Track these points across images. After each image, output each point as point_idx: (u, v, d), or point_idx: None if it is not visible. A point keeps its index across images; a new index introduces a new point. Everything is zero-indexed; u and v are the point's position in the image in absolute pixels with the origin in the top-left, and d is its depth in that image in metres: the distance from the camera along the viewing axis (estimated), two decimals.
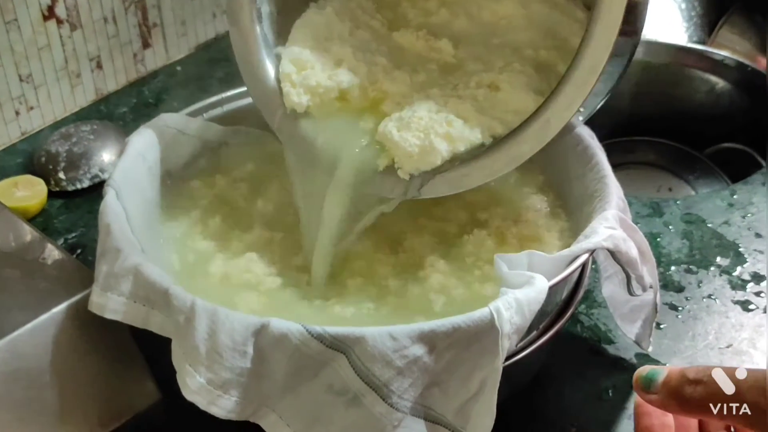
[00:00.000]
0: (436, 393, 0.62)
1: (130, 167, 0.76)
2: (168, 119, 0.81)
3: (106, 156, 1.03)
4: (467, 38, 0.78)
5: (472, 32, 0.78)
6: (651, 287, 0.75)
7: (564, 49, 0.75)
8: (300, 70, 0.75)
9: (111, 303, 0.65)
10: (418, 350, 0.60)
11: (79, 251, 0.94)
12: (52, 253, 0.73)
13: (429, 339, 0.60)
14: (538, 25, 0.77)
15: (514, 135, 0.71)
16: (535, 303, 0.62)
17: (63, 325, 0.68)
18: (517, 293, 0.61)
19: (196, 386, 0.61)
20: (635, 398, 0.63)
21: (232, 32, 0.77)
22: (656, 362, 0.81)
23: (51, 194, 1.01)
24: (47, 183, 1.01)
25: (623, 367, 0.81)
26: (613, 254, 0.69)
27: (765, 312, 0.86)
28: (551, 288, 0.64)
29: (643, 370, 0.60)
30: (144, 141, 0.79)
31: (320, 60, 0.75)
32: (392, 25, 0.80)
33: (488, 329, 0.60)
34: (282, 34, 0.78)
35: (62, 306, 0.68)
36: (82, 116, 1.14)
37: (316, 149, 0.74)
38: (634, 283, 0.74)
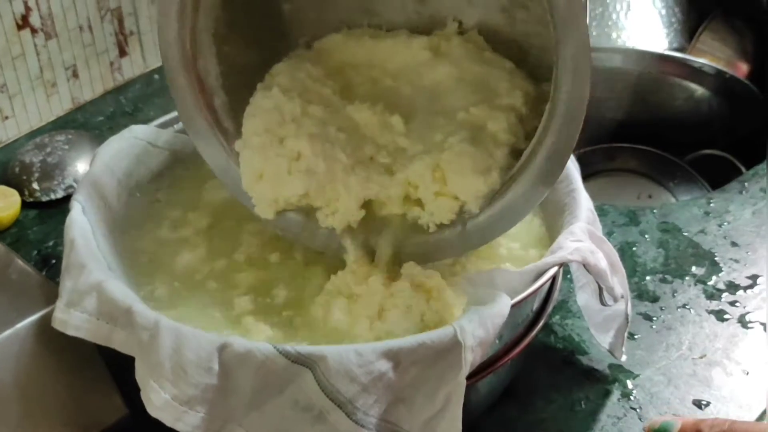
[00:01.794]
0: (401, 409, 0.62)
1: (97, 180, 0.75)
2: (138, 131, 0.81)
3: (81, 166, 1.02)
4: (413, 106, 0.77)
5: (417, 99, 0.77)
6: (622, 297, 0.75)
7: (491, 101, 0.75)
8: (256, 181, 0.74)
9: (74, 320, 0.65)
10: (383, 366, 0.60)
11: (53, 261, 0.94)
12: (18, 267, 0.73)
13: (393, 355, 0.60)
14: (469, 82, 0.77)
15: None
16: (498, 317, 0.62)
17: (28, 341, 0.67)
18: (479, 309, 0.61)
19: (161, 402, 0.60)
20: None
21: (196, 142, 0.77)
22: (629, 373, 0.81)
23: (25, 205, 1.00)
24: (21, 194, 1.00)
25: (596, 378, 0.81)
26: (584, 265, 0.69)
27: (739, 322, 0.86)
28: (520, 301, 0.65)
29: (655, 423, 0.59)
30: (113, 153, 0.78)
31: (275, 161, 0.73)
32: (342, 93, 0.78)
33: (452, 344, 0.60)
34: (239, 116, 0.77)
35: (27, 321, 0.67)
36: (58, 125, 1.13)
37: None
38: (605, 294, 0.74)
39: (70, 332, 0.65)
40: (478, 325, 0.61)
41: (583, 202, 0.74)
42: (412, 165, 0.72)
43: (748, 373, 0.81)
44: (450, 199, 0.71)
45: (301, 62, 0.78)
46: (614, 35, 1.28)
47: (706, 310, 0.87)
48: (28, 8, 1.05)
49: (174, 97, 0.76)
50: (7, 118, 1.09)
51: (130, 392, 0.66)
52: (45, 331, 0.67)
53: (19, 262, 0.73)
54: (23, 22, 1.05)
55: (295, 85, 0.75)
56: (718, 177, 1.20)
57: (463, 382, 0.61)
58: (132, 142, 0.80)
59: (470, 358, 0.61)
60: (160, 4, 0.72)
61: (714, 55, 1.29)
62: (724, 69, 1.23)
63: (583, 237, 0.69)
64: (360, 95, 0.77)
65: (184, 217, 0.81)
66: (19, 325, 0.67)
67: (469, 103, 0.75)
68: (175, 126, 0.84)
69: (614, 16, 1.29)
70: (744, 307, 0.88)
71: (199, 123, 0.76)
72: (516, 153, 0.72)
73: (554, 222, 0.77)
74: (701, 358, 0.82)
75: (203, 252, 0.77)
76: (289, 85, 0.75)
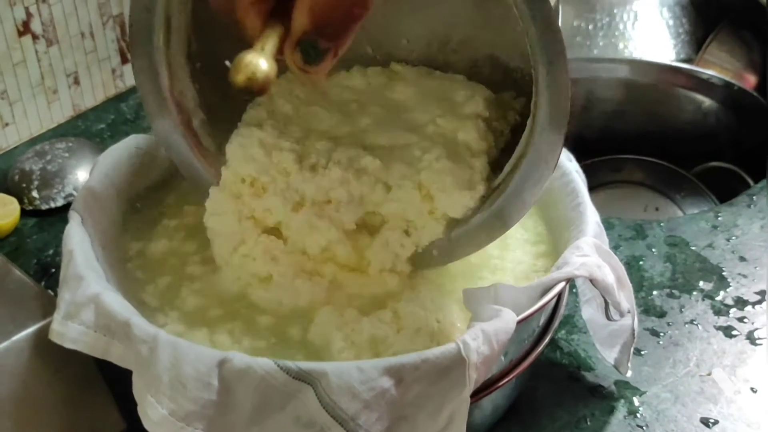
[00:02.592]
0: (404, 427, 0.61)
1: (96, 191, 0.74)
2: (139, 140, 0.80)
3: (81, 174, 1.01)
4: (384, 123, 0.77)
5: (386, 116, 0.77)
6: (629, 312, 0.74)
7: (454, 110, 0.76)
8: (236, 248, 0.73)
9: (71, 332, 0.64)
10: (386, 383, 0.58)
11: (52, 271, 0.93)
12: (16, 277, 0.72)
13: (396, 372, 0.59)
14: (429, 96, 0.78)
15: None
16: (503, 333, 0.61)
17: (24, 353, 0.66)
18: (483, 325, 0.60)
19: (158, 418, 0.59)
20: None
21: (181, 167, 0.77)
22: (635, 390, 0.79)
23: (24, 213, 0.99)
24: (20, 202, 0.99)
25: (602, 395, 0.79)
26: (590, 280, 0.68)
27: (748, 338, 0.85)
28: (525, 319, 0.64)
29: None
30: (113, 163, 0.77)
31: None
32: (306, 136, 0.76)
33: (456, 361, 0.59)
34: (216, 132, 0.76)
35: (23, 333, 0.66)
36: (59, 133, 1.12)
37: None
38: (611, 308, 0.73)
39: (68, 345, 0.64)
40: (482, 341, 0.60)
41: (590, 215, 0.73)
42: (398, 192, 0.71)
43: (756, 391, 0.80)
44: (437, 219, 0.71)
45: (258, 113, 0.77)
46: (621, 46, 1.28)
47: (714, 326, 0.86)
48: (29, 14, 1.04)
49: (152, 124, 0.76)
50: (7, 125, 1.08)
51: (128, 406, 0.65)
52: (42, 343, 0.66)
53: (17, 272, 0.72)
54: (24, 29, 1.04)
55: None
56: (725, 190, 1.19)
57: (467, 400, 0.60)
58: (133, 152, 0.79)
59: (474, 376, 0.60)
60: (131, 36, 0.72)
61: (722, 66, 1.28)
62: (732, 81, 1.22)
63: (590, 251, 0.68)
64: (331, 125, 0.77)
65: (186, 229, 0.79)
66: (15, 338, 0.66)
67: (435, 115, 0.75)
68: None
69: (621, 27, 1.28)
70: (752, 324, 0.86)
71: (182, 146, 0.76)
72: (492, 159, 0.73)
73: (560, 236, 0.76)
74: (709, 375, 0.81)
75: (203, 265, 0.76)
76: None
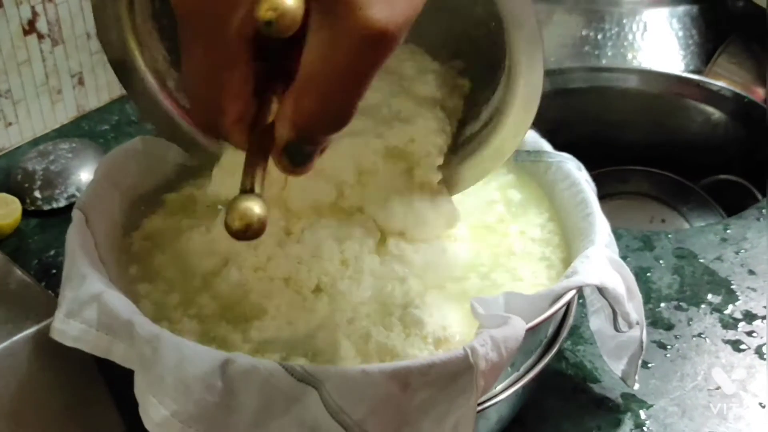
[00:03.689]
0: None
1: (101, 191, 0.73)
2: (143, 142, 0.79)
3: (84, 175, 1.00)
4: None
5: None
6: (637, 324, 0.73)
7: (407, 89, 0.75)
8: None
9: (73, 330, 0.63)
10: (392, 388, 0.57)
11: (53, 272, 0.92)
12: (17, 277, 0.71)
13: (403, 377, 0.57)
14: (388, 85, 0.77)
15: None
16: (512, 341, 0.60)
17: (24, 354, 0.65)
18: (492, 331, 0.59)
19: (160, 418, 0.58)
20: None
21: (171, 139, 0.77)
22: (642, 403, 0.78)
23: (26, 213, 0.99)
24: (23, 202, 0.99)
25: (608, 407, 0.78)
26: (600, 289, 0.68)
27: (756, 353, 0.84)
28: (534, 327, 0.63)
29: None
30: (116, 164, 0.76)
31: None
32: None
33: (464, 367, 0.58)
34: None
35: (24, 334, 0.65)
36: (62, 133, 1.11)
37: None
38: (620, 319, 0.72)
39: (69, 343, 0.63)
40: (491, 348, 0.58)
41: (599, 226, 0.72)
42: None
43: (764, 406, 0.79)
44: None
45: None
46: (630, 56, 1.27)
47: (722, 340, 0.85)
48: (35, 13, 1.04)
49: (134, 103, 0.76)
50: (10, 124, 1.07)
51: (129, 408, 0.63)
52: (43, 344, 0.65)
53: (18, 272, 0.71)
54: (30, 28, 1.04)
55: None
56: (732, 203, 1.18)
57: (474, 407, 0.59)
58: (137, 153, 0.78)
59: (482, 383, 0.59)
60: (94, 13, 0.71)
61: (731, 79, 1.27)
62: (742, 93, 1.22)
63: (600, 261, 0.67)
64: None
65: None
66: (15, 338, 0.65)
67: (386, 93, 0.75)
68: None
69: (630, 37, 1.28)
70: (761, 338, 0.85)
71: (162, 113, 0.76)
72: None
73: (571, 246, 0.75)
74: (717, 389, 0.80)
75: None
76: None
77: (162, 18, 0.74)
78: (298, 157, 0.51)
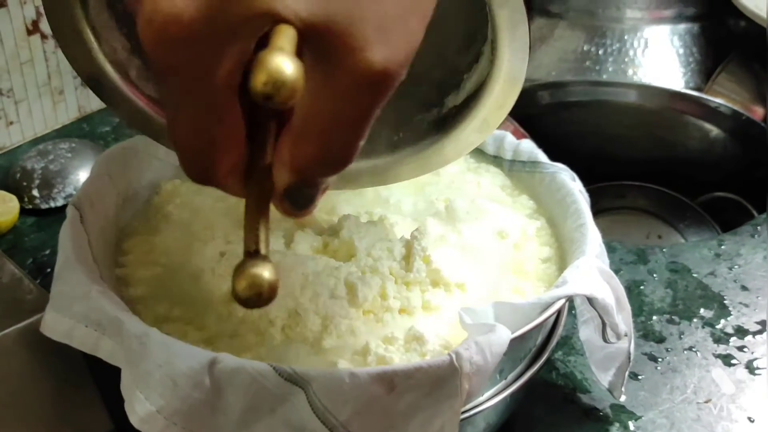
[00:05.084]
0: None
1: (96, 189, 0.74)
2: (140, 141, 0.79)
3: (83, 175, 1.01)
4: None
5: None
6: (626, 335, 0.73)
7: None
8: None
9: (62, 326, 0.63)
10: (377, 390, 0.57)
11: (47, 270, 0.92)
12: (10, 272, 0.71)
13: (389, 379, 0.57)
14: None
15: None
16: (497, 345, 0.60)
17: (13, 349, 0.66)
18: (477, 337, 0.59)
19: (145, 413, 0.58)
20: None
21: (143, 131, 0.73)
22: (631, 414, 0.78)
23: (24, 211, 0.99)
24: (21, 200, 0.99)
25: (597, 418, 0.78)
26: (589, 300, 0.68)
27: (747, 368, 0.84)
28: (523, 335, 0.63)
29: None
30: (114, 163, 0.76)
31: None
32: None
33: (449, 371, 0.58)
34: None
35: (13, 329, 0.66)
36: (63, 134, 1.12)
37: None
38: (609, 330, 0.72)
39: (58, 338, 0.63)
40: (475, 351, 0.59)
41: (591, 236, 0.72)
42: None
43: (753, 421, 0.79)
44: None
45: None
46: (630, 72, 1.28)
47: (713, 354, 0.85)
48: (39, 13, 1.04)
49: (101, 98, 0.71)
50: (11, 123, 1.07)
51: (117, 406, 0.63)
52: (32, 340, 0.66)
53: (11, 266, 0.72)
54: (33, 28, 1.05)
55: None
56: (729, 220, 1.18)
57: (459, 411, 0.59)
58: (134, 152, 0.78)
59: (467, 386, 0.59)
60: (46, 11, 0.67)
61: (730, 97, 1.28)
62: (741, 111, 1.22)
63: (591, 271, 0.67)
64: None
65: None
66: (6, 332, 0.65)
67: None
68: None
69: (631, 53, 1.28)
70: (752, 353, 0.85)
71: (128, 103, 0.71)
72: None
73: (562, 256, 0.76)
74: (706, 402, 0.80)
75: None
76: None
77: (118, 2, 0.69)
78: (300, 200, 0.49)
